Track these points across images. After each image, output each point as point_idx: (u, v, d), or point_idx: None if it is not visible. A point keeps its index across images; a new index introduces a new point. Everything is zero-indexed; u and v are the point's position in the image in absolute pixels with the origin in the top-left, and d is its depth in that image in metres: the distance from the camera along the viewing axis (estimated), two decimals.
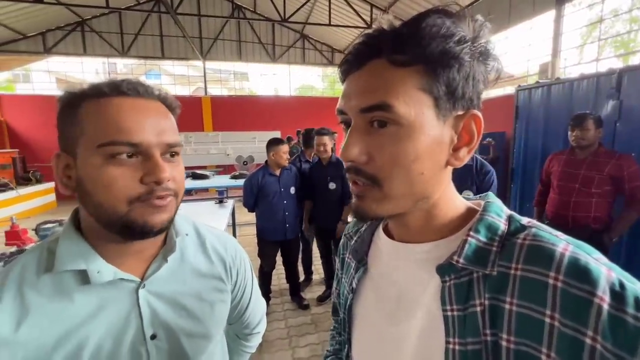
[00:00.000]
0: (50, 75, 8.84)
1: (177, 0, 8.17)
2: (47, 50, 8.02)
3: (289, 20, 6.95)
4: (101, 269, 0.47)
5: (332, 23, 7.09)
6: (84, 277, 0.47)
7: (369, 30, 0.37)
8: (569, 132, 2.12)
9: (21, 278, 0.45)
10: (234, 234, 3.55)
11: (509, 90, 5.80)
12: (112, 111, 0.44)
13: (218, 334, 0.61)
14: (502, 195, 4.18)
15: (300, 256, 3.08)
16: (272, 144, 2.65)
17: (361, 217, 0.39)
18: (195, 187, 4.71)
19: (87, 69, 8.84)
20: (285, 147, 2.65)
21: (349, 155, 0.36)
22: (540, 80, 3.82)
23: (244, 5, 8.97)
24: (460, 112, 0.36)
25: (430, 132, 0.35)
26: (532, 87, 3.65)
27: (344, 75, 0.39)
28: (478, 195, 0.46)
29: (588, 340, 0.28)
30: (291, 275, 2.92)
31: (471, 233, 0.37)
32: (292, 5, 7.28)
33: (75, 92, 0.46)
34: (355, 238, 0.52)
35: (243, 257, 0.68)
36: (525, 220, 0.38)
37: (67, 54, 8.26)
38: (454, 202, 0.41)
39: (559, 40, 4.69)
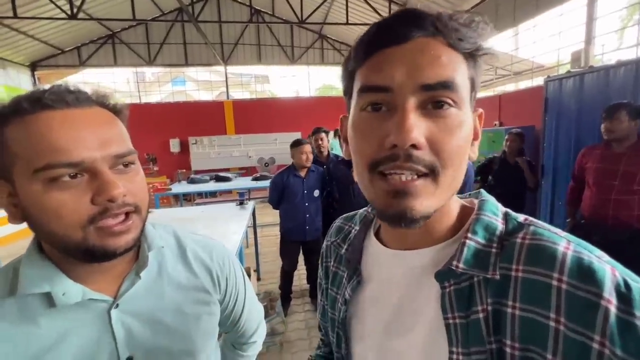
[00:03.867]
0: (86, 86, 9.35)
1: (198, 8, 8.44)
2: (82, 63, 8.55)
3: (307, 21, 6.97)
4: (67, 290, 0.43)
5: (349, 22, 7.02)
6: (49, 300, 0.43)
7: (410, 8, 0.34)
8: (602, 125, 1.98)
9: None
10: (255, 235, 3.61)
11: (537, 81, 5.49)
12: (41, 129, 0.38)
13: (207, 347, 0.57)
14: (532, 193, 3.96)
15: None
16: (292, 146, 2.69)
17: (407, 219, 0.32)
18: (217, 189, 4.85)
19: (118, 79, 9.35)
20: (304, 147, 2.65)
21: (412, 139, 0.30)
22: (572, 70, 3.59)
23: (262, 10, 9.10)
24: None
25: (470, 121, 0.35)
26: (563, 77, 3.43)
27: (379, 46, 0.33)
28: (468, 193, 0.44)
29: (595, 345, 0.27)
30: (312, 276, 2.92)
31: (469, 235, 0.35)
32: (309, 7, 7.29)
33: None
34: (345, 246, 0.49)
35: (233, 263, 0.64)
36: (521, 217, 0.36)
37: (99, 66, 8.76)
38: (455, 201, 0.40)
39: (592, 25, 4.37)
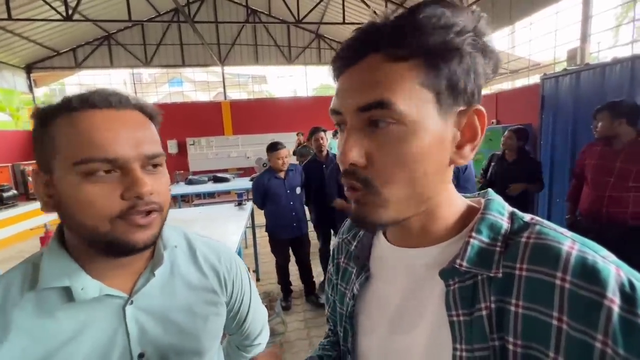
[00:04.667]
0: (82, 88, 9.32)
1: (194, 9, 8.41)
2: (78, 65, 8.50)
3: (304, 21, 6.97)
4: (85, 285, 0.45)
5: (346, 21, 7.02)
6: (68, 294, 0.45)
7: (363, 24, 0.35)
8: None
9: (4, 296, 0.44)
10: (254, 236, 3.61)
11: (534, 79, 5.52)
12: (84, 126, 0.42)
13: (212, 348, 0.58)
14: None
15: (319, 255, 3.09)
16: (269, 149, 2.66)
17: (362, 224, 0.37)
18: (216, 190, 4.84)
19: (115, 81, 9.31)
20: (280, 153, 2.61)
21: (349, 159, 0.34)
22: (568, 68, 3.61)
23: (258, 10, 9.09)
24: (462, 108, 0.35)
25: (432, 129, 0.33)
26: (559, 75, 3.45)
27: (337, 73, 0.37)
28: (477, 192, 0.44)
29: (598, 344, 0.27)
30: (304, 274, 2.94)
31: (473, 234, 0.35)
32: (305, 6, 7.29)
33: (46, 108, 0.44)
34: (354, 243, 0.50)
35: (239, 266, 0.65)
36: (527, 217, 0.36)
37: (95, 67, 8.71)
38: (455, 201, 0.40)
39: (588, 23, 4.39)
